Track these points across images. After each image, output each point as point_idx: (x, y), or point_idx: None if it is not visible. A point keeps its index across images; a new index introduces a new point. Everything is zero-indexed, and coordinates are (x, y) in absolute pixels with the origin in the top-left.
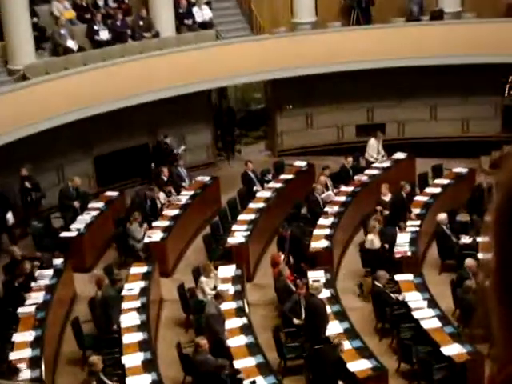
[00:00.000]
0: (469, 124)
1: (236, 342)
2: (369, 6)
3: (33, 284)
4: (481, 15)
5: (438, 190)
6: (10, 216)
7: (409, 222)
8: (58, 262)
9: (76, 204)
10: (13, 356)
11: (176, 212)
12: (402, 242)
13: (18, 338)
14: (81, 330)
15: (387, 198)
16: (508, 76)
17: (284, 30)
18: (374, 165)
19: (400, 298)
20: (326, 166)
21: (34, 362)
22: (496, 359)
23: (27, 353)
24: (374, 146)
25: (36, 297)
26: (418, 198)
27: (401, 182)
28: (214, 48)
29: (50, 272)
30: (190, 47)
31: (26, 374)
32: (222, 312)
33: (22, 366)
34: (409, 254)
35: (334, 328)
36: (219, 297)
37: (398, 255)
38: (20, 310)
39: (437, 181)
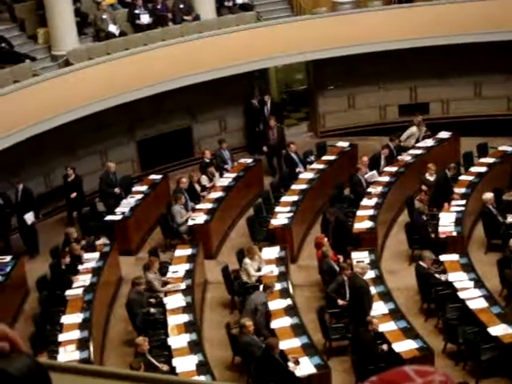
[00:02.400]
0: None
1: (281, 323)
2: None
3: (80, 267)
4: None
5: (483, 169)
6: (29, 216)
7: (454, 202)
8: (103, 244)
9: (117, 190)
10: (62, 338)
11: (219, 194)
12: (448, 222)
13: (66, 320)
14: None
15: (433, 177)
16: None
17: (325, 9)
18: (418, 144)
19: (443, 278)
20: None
21: (82, 344)
22: None
23: (76, 334)
24: (415, 135)
25: (83, 279)
26: (462, 177)
27: (450, 163)
28: (255, 30)
29: (96, 255)
30: (231, 29)
31: (75, 355)
32: (268, 305)
33: (71, 347)
34: (454, 233)
35: (379, 309)
36: (267, 287)
37: (443, 235)
38: (68, 292)
39: (482, 160)
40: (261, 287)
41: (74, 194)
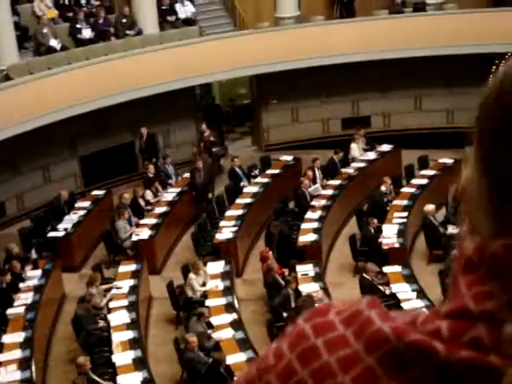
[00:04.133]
0: (453, 114)
1: (226, 336)
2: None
3: (21, 285)
4: (462, 6)
5: (424, 181)
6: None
7: (396, 214)
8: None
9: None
10: (2, 357)
11: (164, 209)
12: (390, 234)
13: (7, 339)
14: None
15: (387, 190)
16: (491, 66)
17: (267, 24)
18: (360, 157)
19: (387, 290)
20: (315, 158)
21: (24, 363)
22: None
23: (17, 354)
24: (355, 149)
25: (25, 297)
26: (404, 189)
27: (387, 177)
28: (198, 44)
29: (38, 272)
30: (173, 44)
31: (16, 375)
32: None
33: (12, 367)
34: (397, 245)
35: None
36: (202, 315)
37: (385, 247)
38: (9, 311)
39: (423, 172)
40: (194, 318)
41: None
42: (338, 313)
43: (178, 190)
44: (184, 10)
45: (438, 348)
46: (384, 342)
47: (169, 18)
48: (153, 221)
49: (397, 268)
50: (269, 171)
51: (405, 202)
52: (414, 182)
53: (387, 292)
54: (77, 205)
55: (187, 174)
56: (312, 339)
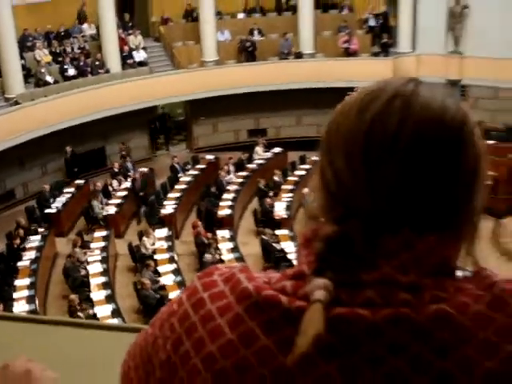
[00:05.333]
0: (321, 127)
1: (170, 281)
2: (254, 49)
3: (27, 245)
4: (327, 55)
5: (303, 173)
6: None
7: (284, 195)
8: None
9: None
10: (15, 295)
11: (125, 193)
12: (280, 208)
13: (18, 283)
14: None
15: (279, 179)
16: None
17: (196, 65)
18: (260, 157)
19: (278, 247)
20: (229, 157)
21: (30, 300)
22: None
23: (25, 293)
24: (259, 151)
25: (29, 254)
26: (290, 178)
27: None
28: (148, 79)
29: (38, 237)
30: (132, 79)
31: (25, 307)
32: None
33: (22, 302)
34: (285, 216)
35: None
36: (149, 265)
37: (277, 217)
38: (19, 263)
39: (302, 166)
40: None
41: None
42: (220, 274)
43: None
44: (139, 56)
45: (282, 300)
46: (248, 296)
47: (128, 61)
48: (117, 201)
49: (285, 231)
50: (197, 166)
51: (290, 187)
52: (296, 173)
53: (278, 248)
54: (64, 190)
55: (142, 169)
56: (201, 293)
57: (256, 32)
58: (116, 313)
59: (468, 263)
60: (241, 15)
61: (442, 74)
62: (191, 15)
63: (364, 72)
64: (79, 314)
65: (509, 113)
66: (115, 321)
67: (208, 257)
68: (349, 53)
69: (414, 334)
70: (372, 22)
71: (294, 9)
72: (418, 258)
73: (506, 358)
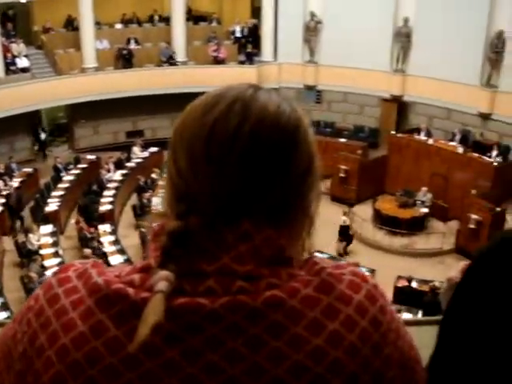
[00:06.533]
0: None
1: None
2: (131, 56)
3: None
4: (198, 63)
5: None
6: None
7: (160, 190)
8: None
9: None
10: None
11: (7, 192)
12: (158, 203)
13: None
14: None
15: (157, 177)
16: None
17: (76, 71)
18: (138, 156)
19: None
20: (109, 156)
21: None
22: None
23: None
24: (137, 150)
25: None
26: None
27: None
28: (30, 85)
29: None
30: (15, 84)
31: None
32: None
33: None
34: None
35: (118, 260)
36: (33, 260)
37: (154, 211)
38: None
39: None
40: (32, 262)
41: None
42: (75, 270)
43: (20, 179)
44: (21, 62)
45: (129, 292)
46: (98, 289)
47: (12, 68)
48: (2, 200)
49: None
50: (79, 166)
51: None
52: None
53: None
54: None
55: (26, 169)
56: (56, 289)
57: (133, 41)
58: (4, 305)
59: (305, 252)
60: (118, 25)
61: (300, 80)
62: (72, 25)
63: (231, 78)
64: None
65: (357, 115)
66: (3, 314)
67: (87, 251)
68: (217, 61)
69: (250, 318)
70: (238, 33)
71: (167, 20)
72: (256, 249)
73: (330, 336)
